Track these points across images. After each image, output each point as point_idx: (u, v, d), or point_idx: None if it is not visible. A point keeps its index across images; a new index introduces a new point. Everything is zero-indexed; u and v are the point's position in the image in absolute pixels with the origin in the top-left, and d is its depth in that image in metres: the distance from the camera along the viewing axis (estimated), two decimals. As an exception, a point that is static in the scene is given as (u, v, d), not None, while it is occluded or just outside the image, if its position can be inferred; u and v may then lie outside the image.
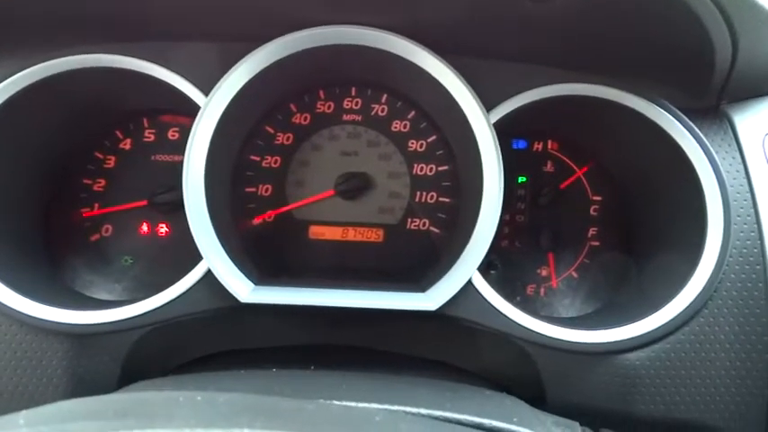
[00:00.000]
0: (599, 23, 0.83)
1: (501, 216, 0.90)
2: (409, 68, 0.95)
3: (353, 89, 1.16)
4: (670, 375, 0.83)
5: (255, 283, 0.87)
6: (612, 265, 1.11)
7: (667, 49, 0.87)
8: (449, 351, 0.95)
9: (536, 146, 1.17)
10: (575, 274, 1.15)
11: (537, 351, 0.86)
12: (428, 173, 1.15)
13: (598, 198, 1.15)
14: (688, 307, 0.83)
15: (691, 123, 0.89)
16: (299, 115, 1.16)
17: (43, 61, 0.90)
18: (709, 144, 0.88)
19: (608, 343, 0.84)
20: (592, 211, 1.15)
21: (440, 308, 0.85)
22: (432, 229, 1.14)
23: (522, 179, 1.17)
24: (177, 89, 0.91)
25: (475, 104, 0.91)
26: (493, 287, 0.91)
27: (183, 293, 0.86)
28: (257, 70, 0.90)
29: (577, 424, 0.67)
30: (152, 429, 0.39)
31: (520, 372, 0.89)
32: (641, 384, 0.83)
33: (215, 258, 0.86)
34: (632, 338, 0.83)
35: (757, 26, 0.84)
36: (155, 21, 0.89)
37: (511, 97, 0.92)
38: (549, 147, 1.17)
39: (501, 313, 0.86)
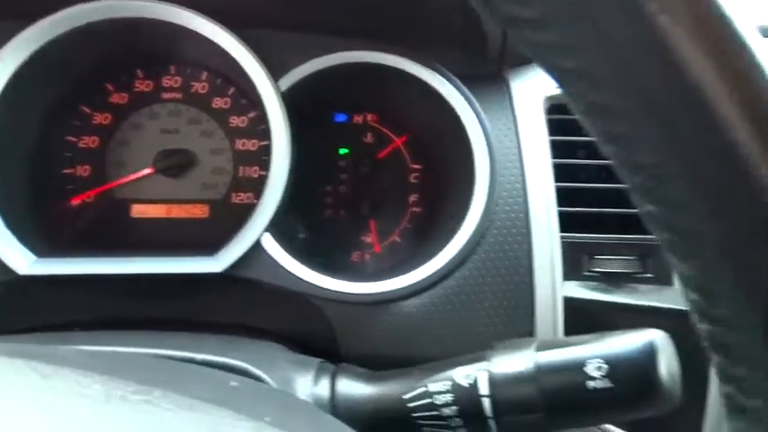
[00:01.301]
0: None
1: (292, 181, 0.93)
2: (204, 42, 0.97)
3: (173, 67, 1.17)
4: (443, 318, 0.89)
5: (38, 256, 0.87)
6: (428, 227, 1.18)
7: (437, 19, 0.94)
8: (252, 315, 0.97)
9: (356, 119, 1.22)
10: (398, 239, 1.20)
11: (327, 305, 0.90)
12: (251, 148, 1.17)
13: (417, 166, 1.21)
14: (456, 255, 0.89)
15: (463, 86, 0.96)
16: (116, 95, 1.15)
17: None
18: (478, 105, 0.95)
19: (386, 292, 0.89)
20: (412, 179, 1.21)
21: (226, 269, 0.88)
22: (256, 202, 1.16)
23: (343, 151, 1.21)
24: None
25: (262, 72, 0.94)
26: (292, 251, 0.94)
27: None
28: (33, 48, 0.89)
29: (317, 360, 0.71)
30: None
31: (318, 328, 0.93)
32: (418, 329, 0.89)
33: (-10, 233, 0.85)
34: (408, 286, 0.89)
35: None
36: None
37: (297, 66, 0.96)
38: (369, 119, 1.22)
39: (288, 272, 0.90)
